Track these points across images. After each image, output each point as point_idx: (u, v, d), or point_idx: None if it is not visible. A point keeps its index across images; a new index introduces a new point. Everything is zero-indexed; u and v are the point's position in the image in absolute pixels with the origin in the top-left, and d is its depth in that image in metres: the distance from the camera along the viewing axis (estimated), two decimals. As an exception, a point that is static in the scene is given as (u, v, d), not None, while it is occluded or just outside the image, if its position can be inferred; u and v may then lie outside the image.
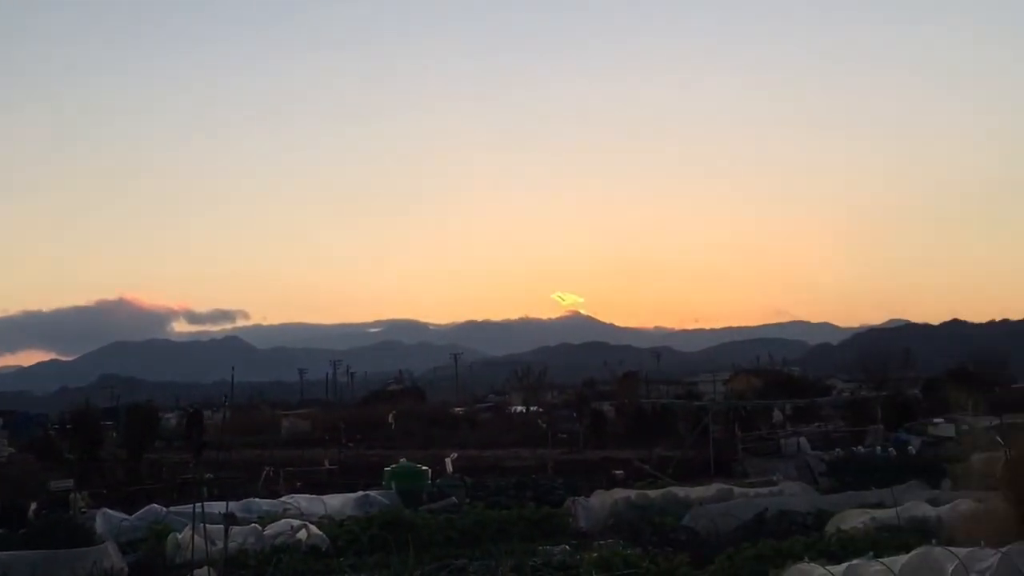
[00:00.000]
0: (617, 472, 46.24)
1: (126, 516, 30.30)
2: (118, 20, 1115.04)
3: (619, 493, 33.82)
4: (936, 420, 61.08)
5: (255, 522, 27.44)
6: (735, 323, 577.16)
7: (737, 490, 35.15)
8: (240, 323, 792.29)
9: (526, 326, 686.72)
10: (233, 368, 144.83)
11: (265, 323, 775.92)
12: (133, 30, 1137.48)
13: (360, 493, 35.15)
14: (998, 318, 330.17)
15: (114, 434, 64.72)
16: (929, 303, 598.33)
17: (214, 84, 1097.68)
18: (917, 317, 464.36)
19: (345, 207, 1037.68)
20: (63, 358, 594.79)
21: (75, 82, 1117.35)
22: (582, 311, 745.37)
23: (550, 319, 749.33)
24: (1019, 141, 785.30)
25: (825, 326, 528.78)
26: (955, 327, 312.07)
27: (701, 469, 48.72)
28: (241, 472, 47.35)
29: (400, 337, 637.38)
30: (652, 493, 34.20)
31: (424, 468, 41.37)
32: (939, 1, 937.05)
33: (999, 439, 16.14)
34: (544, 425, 68.79)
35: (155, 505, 31.28)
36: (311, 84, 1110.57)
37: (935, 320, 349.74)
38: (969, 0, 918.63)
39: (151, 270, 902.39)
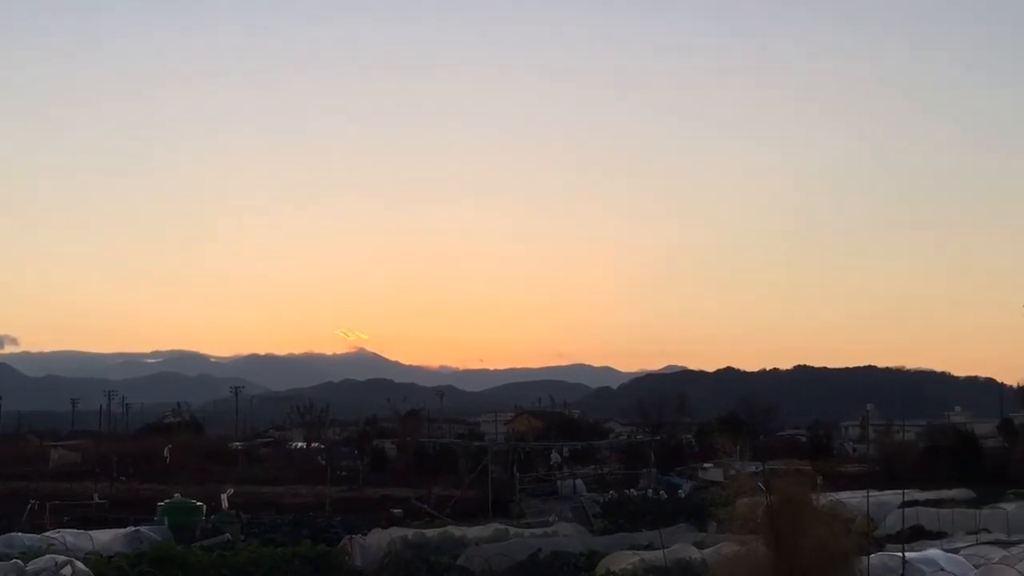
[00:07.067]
0: (395, 511, 46.33)
1: None
2: None
3: (396, 532, 33.77)
4: (706, 464, 63.35)
5: (17, 558, 26.39)
6: (519, 364, 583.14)
7: (513, 530, 35.56)
8: (9, 349, 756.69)
9: (309, 361, 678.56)
10: (0, 396, 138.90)
11: (35, 350, 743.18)
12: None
13: (130, 528, 34.12)
14: (768, 367, 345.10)
15: None
16: (706, 351, 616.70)
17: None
18: (694, 364, 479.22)
19: (125, 233, 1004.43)
20: None
21: None
22: (367, 348, 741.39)
23: (334, 355, 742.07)
24: (794, 198, 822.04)
25: (607, 370, 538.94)
26: (729, 375, 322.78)
27: (479, 509, 49.26)
28: (4, 505, 45.45)
29: (180, 369, 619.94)
30: (429, 532, 34.30)
31: (199, 503, 40.47)
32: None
33: (761, 485, 16.86)
34: (324, 462, 68.35)
35: (-91, 539, 29.76)
36: (87, 98, 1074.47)
37: (711, 367, 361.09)
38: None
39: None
